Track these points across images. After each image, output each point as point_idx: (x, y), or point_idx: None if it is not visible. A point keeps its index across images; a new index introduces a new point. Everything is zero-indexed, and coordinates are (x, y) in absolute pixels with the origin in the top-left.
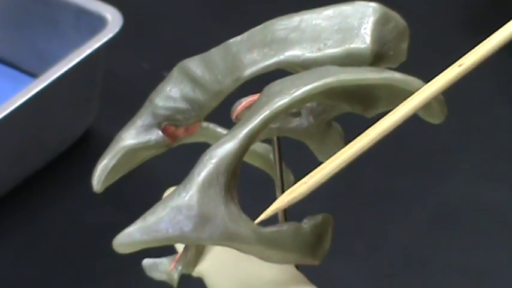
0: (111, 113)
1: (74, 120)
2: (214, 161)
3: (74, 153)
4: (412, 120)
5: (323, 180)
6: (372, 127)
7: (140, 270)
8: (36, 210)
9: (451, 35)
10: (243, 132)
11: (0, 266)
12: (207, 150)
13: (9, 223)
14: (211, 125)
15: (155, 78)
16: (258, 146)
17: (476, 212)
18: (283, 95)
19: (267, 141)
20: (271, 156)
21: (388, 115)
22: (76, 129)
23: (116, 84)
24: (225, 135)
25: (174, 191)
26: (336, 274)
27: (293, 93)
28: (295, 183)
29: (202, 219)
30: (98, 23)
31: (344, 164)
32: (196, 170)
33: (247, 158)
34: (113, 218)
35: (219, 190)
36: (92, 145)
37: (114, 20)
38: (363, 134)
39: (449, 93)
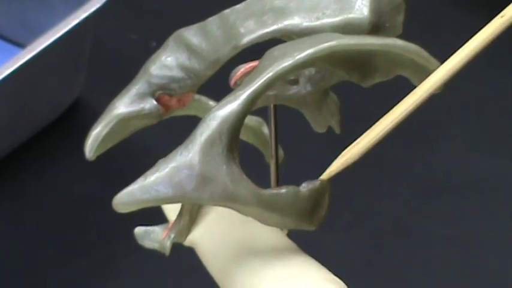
0: (100, 83)
1: (62, 90)
2: (217, 121)
3: (62, 123)
4: (402, 91)
5: (375, 140)
6: (419, 86)
7: (129, 241)
8: (25, 181)
9: (443, 8)
10: (246, 93)
11: None
12: (210, 111)
13: None
14: (203, 98)
15: (143, 49)
16: (250, 120)
17: (465, 182)
18: (287, 58)
19: (259, 114)
20: (263, 129)
21: (434, 72)
22: (64, 100)
23: (104, 54)
24: (227, 96)
25: (175, 150)
26: (323, 244)
27: (297, 55)
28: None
29: (204, 178)
30: None
31: (395, 122)
32: (198, 130)
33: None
34: (101, 190)
35: (221, 150)
36: (80, 115)
37: None
38: (411, 93)
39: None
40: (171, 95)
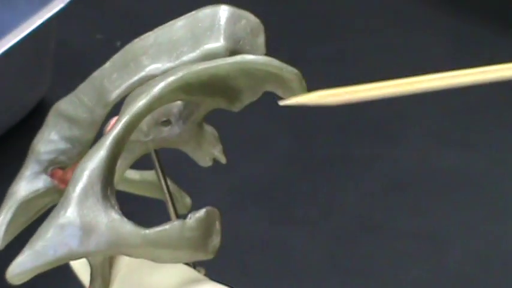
0: (64, 84)
1: (26, 91)
2: (86, 172)
3: (26, 125)
4: (365, 81)
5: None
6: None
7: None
8: None
9: (402, 6)
10: (108, 140)
11: None
12: (79, 164)
13: None
14: None
15: (108, 48)
16: (148, 174)
17: (429, 177)
18: (141, 97)
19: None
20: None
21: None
22: (28, 101)
23: (69, 54)
24: (93, 147)
25: (54, 210)
26: (289, 240)
27: (150, 92)
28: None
29: (86, 231)
30: None
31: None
32: (71, 186)
33: (141, 191)
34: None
35: (96, 200)
36: (45, 117)
37: None
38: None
39: (401, 59)
40: (63, 168)
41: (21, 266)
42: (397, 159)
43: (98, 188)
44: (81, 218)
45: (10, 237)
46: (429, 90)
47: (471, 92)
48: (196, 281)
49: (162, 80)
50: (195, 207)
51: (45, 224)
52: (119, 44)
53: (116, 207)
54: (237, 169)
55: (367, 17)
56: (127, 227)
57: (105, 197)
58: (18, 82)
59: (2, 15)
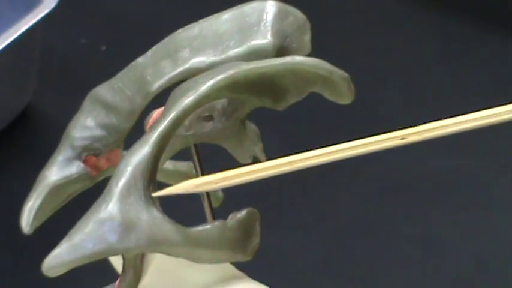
0: (50, 89)
1: (12, 97)
2: (129, 168)
3: (13, 130)
4: (358, 84)
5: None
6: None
7: None
8: None
9: (388, 2)
10: (154, 136)
11: None
12: (122, 159)
13: None
14: None
15: (93, 53)
16: (182, 165)
17: (420, 181)
18: (189, 94)
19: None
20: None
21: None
22: (14, 107)
23: (54, 60)
24: (137, 142)
25: (95, 203)
26: (284, 245)
27: (199, 89)
28: None
29: (126, 227)
30: None
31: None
32: (113, 181)
33: (172, 180)
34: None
35: (138, 196)
36: (31, 122)
37: None
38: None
39: (394, 68)
40: (97, 155)
41: (58, 259)
42: (387, 163)
43: (141, 184)
44: (122, 214)
45: (38, 223)
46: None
47: (458, 96)
48: (236, 277)
49: (210, 78)
50: (188, 213)
51: (85, 217)
52: (103, 48)
53: (158, 204)
54: None
55: (355, 17)
56: (168, 226)
57: (147, 194)
58: (4, 88)
59: None
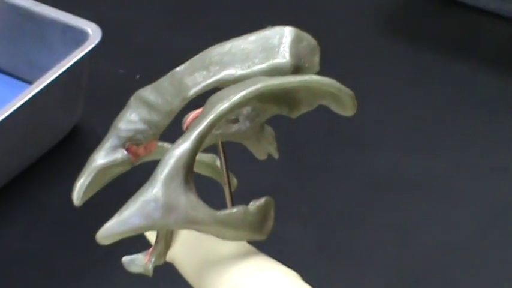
0: (94, 111)
1: (63, 118)
2: (173, 159)
3: (64, 146)
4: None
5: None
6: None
7: (124, 242)
8: (35, 194)
9: (369, 35)
10: (194, 134)
11: (9, 242)
12: (167, 151)
13: (14, 206)
14: (165, 144)
15: (129, 81)
16: (205, 157)
17: (399, 179)
18: (224, 101)
19: (212, 151)
20: (217, 163)
21: None
22: (65, 126)
23: (97, 87)
24: (180, 138)
25: (142, 187)
26: (286, 235)
27: (232, 98)
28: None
29: (168, 208)
30: (80, 36)
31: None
32: (159, 169)
33: (197, 169)
34: (100, 199)
35: (179, 183)
36: (79, 139)
37: (94, 34)
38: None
39: (374, 80)
40: (137, 145)
41: (110, 230)
42: (371, 165)
43: (181, 173)
44: (165, 197)
45: (86, 198)
46: None
47: (435, 106)
48: (247, 251)
49: (242, 89)
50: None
51: (133, 198)
52: (138, 76)
53: (194, 190)
54: (240, 176)
55: (329, 45)
56: (202, 208)
57: (186, 181)
58: (58, 110)
59: (41, 55)
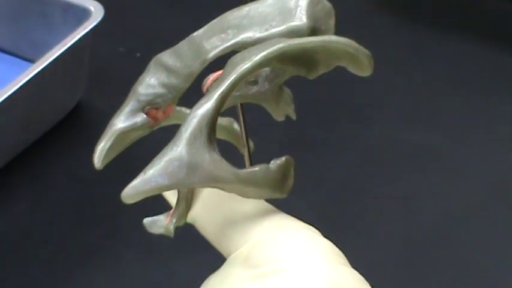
0: (97, 88)
1: (66, 95)
2: (196, 119)
3: (67, 122)
4: (345, 77)
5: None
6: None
7: (131, 215)
8: (40, 168)
9: (368, 11)
10: (217, 93)
11: (15, 216)
12: (191, 111)
13: (19, 180)
14: (183, 109)
15: (130, 59)
16: (222, 120)
17: (399, 151)
18: (245, 61)
19: (229, 114)
20: (234, 126)
21: None
22: (68, 103)
23: (99, 65)
24: (203, 98)
25: (166, 146)
26: (291, 206)
27: (253, 58)
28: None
29: (192, 166)
30: (82, 14)
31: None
32: (183, 128)
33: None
34: (104, 173)
35: (203, 142)
36: (82, 115)
37: (96, 12)
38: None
39: (373, 55)
40: (157, 109)
41: (135, 189)
42: (372, 138)
43: (205, 132)
44: (189, 155)
45: (107, 161)
46: None
47: (434, 79)
48: (268, 210)
49: (263, 50)
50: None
51: (158, 157)
52: (138, 55)
53: (217, 149)
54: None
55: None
56: (225, 167)
57: (209, 140)
58: (60, 88)
59: (43, 34)
